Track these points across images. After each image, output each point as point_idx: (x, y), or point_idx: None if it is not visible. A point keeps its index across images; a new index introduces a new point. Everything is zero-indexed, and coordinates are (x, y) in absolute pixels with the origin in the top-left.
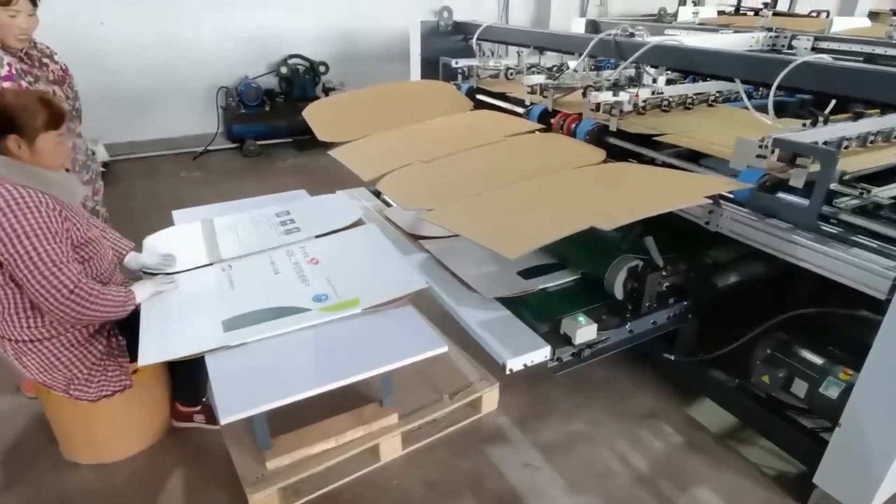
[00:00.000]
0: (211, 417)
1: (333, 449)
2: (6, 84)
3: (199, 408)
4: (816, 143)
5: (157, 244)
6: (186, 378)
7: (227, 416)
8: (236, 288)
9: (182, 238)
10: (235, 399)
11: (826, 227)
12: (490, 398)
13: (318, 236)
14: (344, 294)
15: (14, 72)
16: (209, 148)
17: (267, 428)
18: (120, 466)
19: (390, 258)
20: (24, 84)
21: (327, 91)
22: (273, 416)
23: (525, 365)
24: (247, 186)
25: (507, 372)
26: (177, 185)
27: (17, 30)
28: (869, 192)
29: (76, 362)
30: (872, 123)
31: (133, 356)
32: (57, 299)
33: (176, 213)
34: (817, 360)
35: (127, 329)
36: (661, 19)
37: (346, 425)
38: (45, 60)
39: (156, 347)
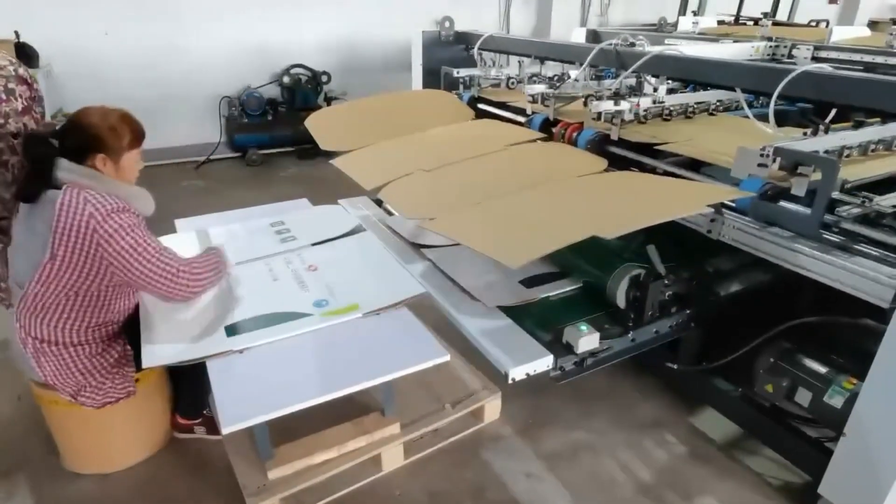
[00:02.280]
0: (211, 429)
1: (335, 459)
2: None
3: (199, 420)
4: (817, 151)
5: None
6: (189, 389)
7: (230, 425)
8: (235, 294)
9: (178, 247)
10: (238, 409)
11: (828, 236)
12: (492, 408)
13: (314, 244)
14: (344, 300)
15: None
16: (211, 157)
17: (268, 437)
18: (120, 476)
19: (388, 265)
20: None
21: (329, 101)
22: (274, 425)
23: (527, 374)
24: (249, 195)
25: (510, 381)
26: (179, 194)
27: None
28: (871, 200)
29: (92, 371)
30: (873, 132)
31: (138, 365)
32: (171, 281)
33: (178, 223)
34: (821, 369)
35: (135, 338)
36: (662, 29)
37: (347, 435)
38: (10, 86)
39: (160, 351)
